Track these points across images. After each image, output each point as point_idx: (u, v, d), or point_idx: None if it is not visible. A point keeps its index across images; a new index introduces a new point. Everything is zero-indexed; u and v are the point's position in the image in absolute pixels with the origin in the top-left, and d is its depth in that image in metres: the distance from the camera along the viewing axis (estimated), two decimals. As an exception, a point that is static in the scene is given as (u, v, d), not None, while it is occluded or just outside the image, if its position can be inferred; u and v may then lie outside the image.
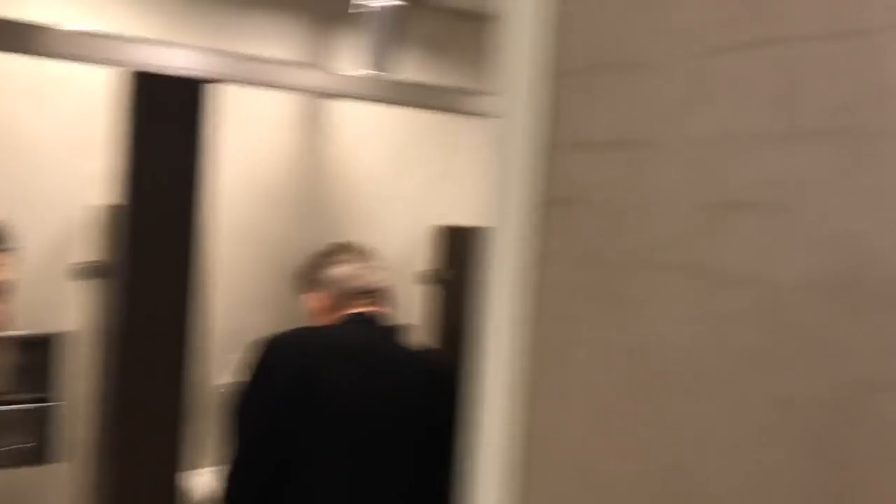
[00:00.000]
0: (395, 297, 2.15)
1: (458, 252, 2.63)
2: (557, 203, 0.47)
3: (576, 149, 0.47)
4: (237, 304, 2.34)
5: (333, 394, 1.84)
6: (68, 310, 2.10)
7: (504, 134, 0.48)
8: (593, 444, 0.44)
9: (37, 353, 2.09)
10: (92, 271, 2.07)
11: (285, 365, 1.83)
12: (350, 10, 2.10)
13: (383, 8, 2.10)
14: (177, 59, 1.71)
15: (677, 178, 0.42)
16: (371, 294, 2.05)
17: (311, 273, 2.15)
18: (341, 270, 2.07)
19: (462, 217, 2.70)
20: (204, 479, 2.14)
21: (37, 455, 2.11)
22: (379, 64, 2.15)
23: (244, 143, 2.31)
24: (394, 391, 1.91)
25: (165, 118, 1.72)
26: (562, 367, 0.46)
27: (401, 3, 2.13)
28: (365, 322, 2.00)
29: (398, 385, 1.92)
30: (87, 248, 2.11)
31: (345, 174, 2.50)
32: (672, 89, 0.42)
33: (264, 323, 2.35)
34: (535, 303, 0.47)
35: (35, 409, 2.10)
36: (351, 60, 2.40)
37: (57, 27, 1.54)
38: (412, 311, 2.66)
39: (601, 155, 0.46)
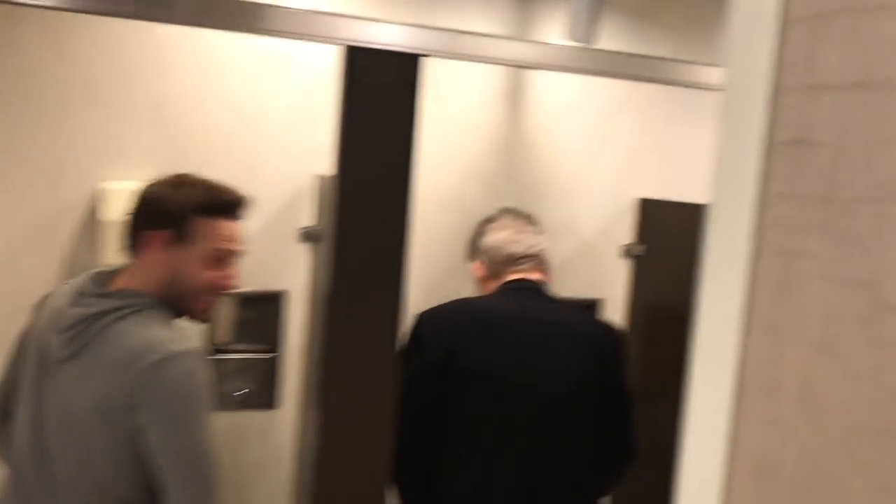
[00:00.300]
0: (549, 260, 2.13)
1: (656, 226, 2.58)
2: (788, 144, 0.47)
3: (809, 91, 0.47)
4: (435, 270, 2.44)
5: (482, 365, 1.88)
6: (292, 270, 2.29)
7: (736, 79, 0.48)
8: (813, 373, 0.44)
9: (263, 308, 2.30)
10: (313, 235, 2.25)
11: (435, 339, 1.90)
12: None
13: (589, -22, 2.09)
14: (389, 35, 1.80)
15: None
16: (527, 260, 2.05)
17: (473, 241, 2.19)
18: (497, 238, 2.08)
19: (662, 191, 2.65)
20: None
21: (259, 401, 2.32)
22: (583, 34, 2.15)
23: (449, 115, 2.40)
24: (546, 359, 1.91)
25: (380, 92, 1.81)
26: (782, 301, 0.47)
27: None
28: (519, 290, 2.01)
29: (551, 353, 1.92)
30: (309, 214, 2.29)
31: (546, 146, 2.52)
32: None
33: (460, 290, 2.44)
34: (758, 240, 0.48)
35: (259, 360, 2.31)
36: (555, 31, 2.42)
37: (279, 7, 1.66)
38: (612, 286, 2.65)
39: (834, 97, 0.45)
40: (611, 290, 2.65)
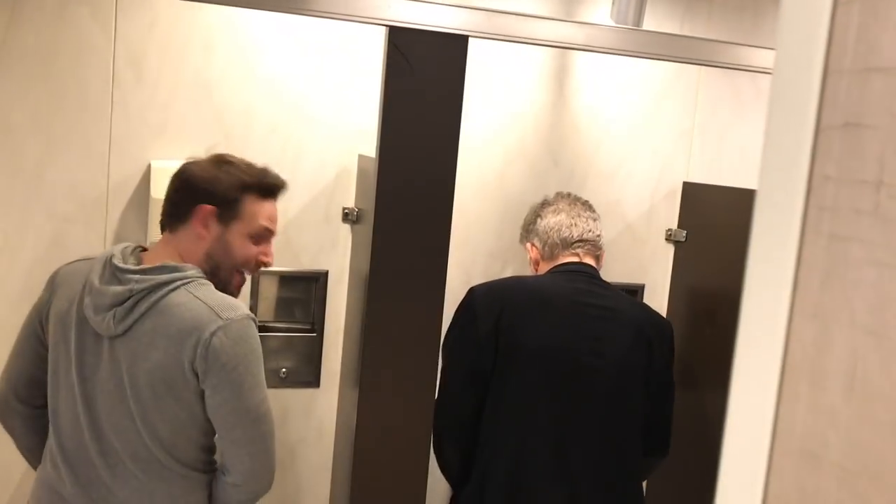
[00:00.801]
0: (603, 246, 2.15)
1: (698, 210, 2.54)
2: (839, 128, 0.46)
3: (861, 74, 0.46)
4: (476, 252, 2.44)
5: (531, 342, 1.89)
6: (334, 250, 2.31)
7: (786, 61, 0.48)
8: (861, 358, 0.44)
9: (305, 287, 2.33)
10: (354, 216, 2.26)
11: (485, 313, 1.92)
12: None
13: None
14: (434, 16, 1.79)
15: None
16: (581, 244, 2.06)
17: (527, 224, 2.21)
18: (552, 221, 2.10)
19: (707, 175, 2.61)
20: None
21: (301, 379, 2.35)
22: (629, 16, 2.12)
23: (493, 97, 2.39)
24: (594, 342, 1.92)
25: (424, 73, 1.81)
26: (830, 286, 0.46)
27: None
28: (572, 273, 2.02)
29: (599, 336, 1.92)
30: (352, 195, 2.30)
31: (591, 129, 2.50)
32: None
33: (501, 273, 2.44)
34: (806, 224, 0.47)
35: (301, 338, 2.34)
36: (601, 12, 2.39)
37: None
38: (656, 271, 2.63)
39: (887, 80, 0.45)
40: (655, 274, 2.63)
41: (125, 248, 1.61)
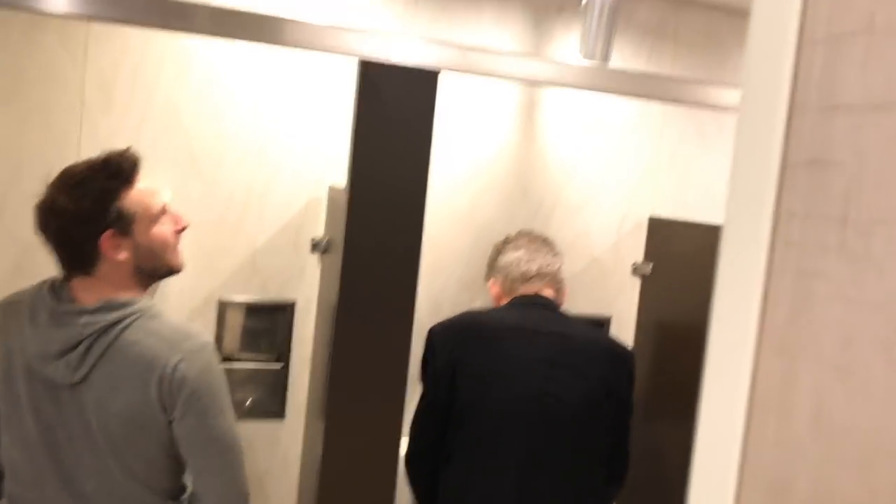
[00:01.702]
0: (564, 280, 2.17)
1: (664, 244, 2.57)
2: (804, 164, 0.47)
3: (826, 112, 0.47)
4: (446, 285, 2.44)
5: (486, 372, 1.91)
6: (303, 280, 2.29)
7: (753, 98, 0.49)
8: (827, 394, 0.44)
9: (272, 318, 2.30)
10: (323, 246, 2.25)
11: (441, 348, 1.94)
12: (581, 4, 2.12)
13: (605, -2, 2.10)
14: (406, 50, 1.81)
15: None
16: (541, 278, 2.10)
17: (490, 262, 2.25)
18: (512, 256, 2.14)
19: (673, 209, 2.65)
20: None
21: (267, 411, 2.31)
22: (597, 53, 2.15)
23: (463, 131, 2.40)
24: (551, 370, 1.93)
25: (395, 106, 1.82)
26: (796, 322, 0.46)
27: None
28: (529, 304, 2.05)
29: (557, 364, 1.94)
30: (322, 224, 2.29)
31: (559, 162, 2.53)
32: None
33: (470, 305, 2.44)
34: (772, 260, 0.48)
35: (267, 370, 2.30)
36: (569, 50, 2.42)
37: (297, 20, 1.68)
38: (622, 304, 2.64)
39: (851, 118, 0.46)
40: (621, 307, 2.64)
41: (53, 283, 1.54)
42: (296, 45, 1.75)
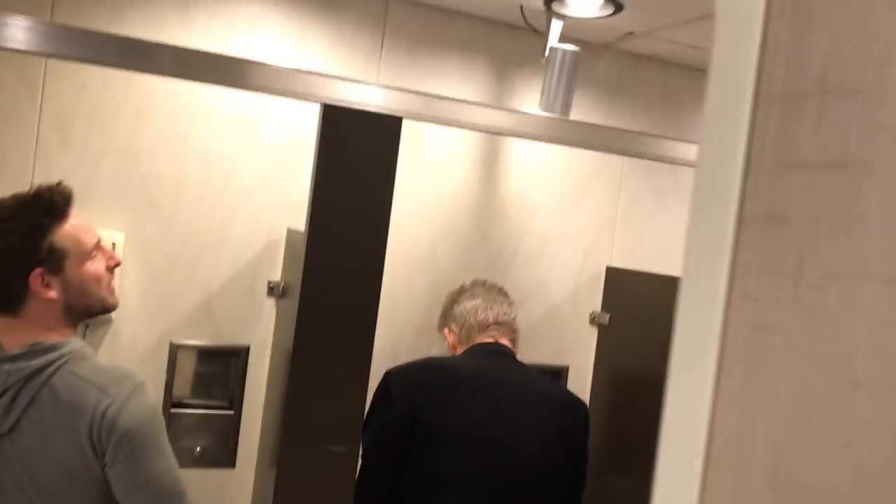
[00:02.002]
0: (519, 330, 2.18)
1: (621, 294, 2.60)
2: (760, 219, 0.48)
3: (781, 169, 0.48)
4: (403, 330, 2.43)
5: (445, 422, 1.90)
6: (257, 325, 2.26)
7: (709, 154, 0.50)
8: (783, 449, 0.44)
9: (224, 363, 2.26)
10: (279, 290, 2.23)
11: (400, 395, 1.92)
12: (542, 59, 2.17)
13: (566, 52, 2.14)
14: (368, 96, 1.82)
15: (884, 199, 0.43)
16: (497, 327, 2.11)
17: (444, 311, 2.25)
18: (468, 305, 2.15)
19: (629, 260, 2.68)
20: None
21: (217, 459, 2.26)
22: (557, 105, 2.19)
23: (424, 177, 2.42)
24: (509, 420, 1.93)
25: (356, 151, 1.83)
26: (753, 375, 0.47)
27: (576, 49, 2.17)
28: (487, 352, 2.05)
29: (514, 415, 1.94)
30: (279, 268, 2.27)
31: (518, 211, 2.55)
32: (888, 114, 0.43)
33: (428, 351, 2.42)
34: (729, 314, 0.48)
35: (218, 416, 2.25)
36: (530, 101, 2.46)
37: (259, 62, 1.68)
38: (580, 353, 2.65)
39: (806, 175, 0.46)
40: (579, 356, 2.65)
41: None
42: (259, 89, 1.74)
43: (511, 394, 1.95)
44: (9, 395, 1.39)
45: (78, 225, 1.51)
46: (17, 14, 1.47)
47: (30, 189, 1.49)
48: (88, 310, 1.54)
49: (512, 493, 1.90)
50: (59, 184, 1.51)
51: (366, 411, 1.95)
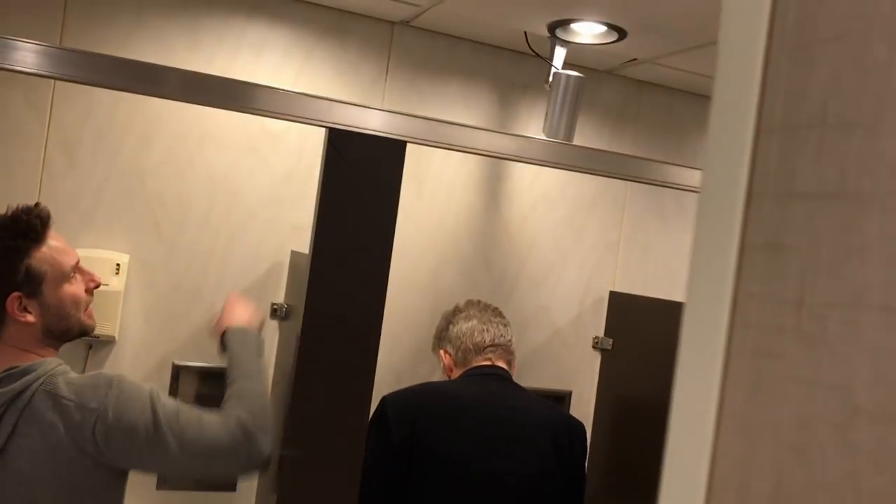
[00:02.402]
0: (515, 351, 2.17)
1: (623, 319, 2.60)
2: (761, 248, 0.49)
3: (782, 199, 0.49)
4: (405, 353, 2.43)
5: (444, 448, 1.88)
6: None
7: (712, 183, 0.51)
8: (785, 475, 0.45)
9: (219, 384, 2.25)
10: (282, 312, 2.23)
11: (398, 422, 1.90)
12: (546, 84, 2.19)
13: (569, 78, 2.17)
14: (373, 120, 1.84)
15: (883, 229, 0.43)
16: (494, 349, 2.09)
17: (439, 332, 2.23)
18: (464, 327, 2.13)
19: (632, 285, 2.68)
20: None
21: (218, 482, 2.25)
22: (560, 131, 2.21)
23: (427, 201, 2.43)
24: (508, 445, 1.92)
25: (361, 174, 1.84)
26: (755, 402, 0.47)
27: (581, 75, 2.19)
28: (485, 376, 2.04)
29: (513, 440, 1.93)
30: (282, 290, 2.28)
31: (521, 235, 2.56)
32: (886, 147, 0.44)
33: (430, 374, 2.42)
34: (732, 341, 0.49)
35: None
36: (533, 127, 2.48)
37: (266, 87, 1.70)
38: (583, 378, 2.65)
39: (806, 205, 0.47)
40: (582, 381, 2.65)
41: None
42: (265, 113, 1.76)
43: (510, 419, 1.95)
44: None
45: (55, 247, 1.50)
46: (28, 37, 1.49)
47: (7, 211, 1.48)
48: (66, 332, 1.53)
49: None
50: (36, 205, 1.49)
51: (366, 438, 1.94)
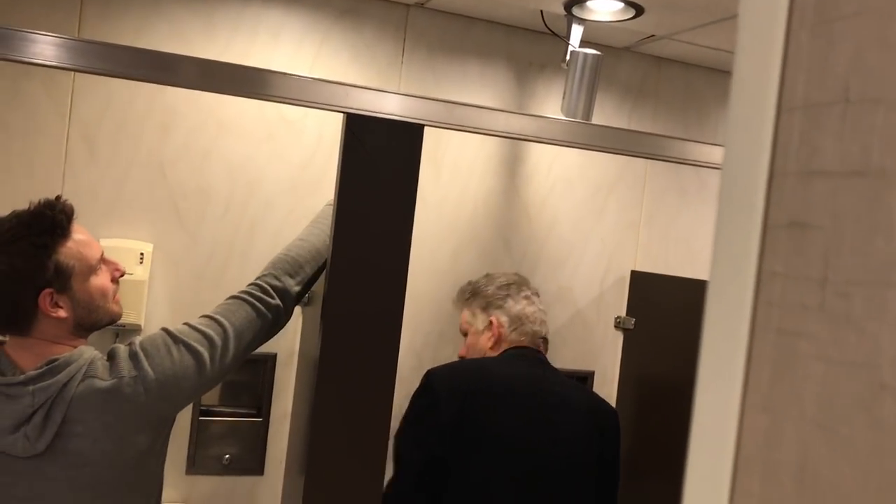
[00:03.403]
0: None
1: (645, 299, 2.59)
2: (785, 226, 0.48)
3: (805, 177, 0.48)
4: (426, 336, 2.44)
5: (492, 431, 1.87)
6: (283, 333, 2.27)
7: (734, 162, 0.50)
8: (811, 453, 0.45)
9: (251, 371, 2.28)
10: (307, 299, 2.24)
11: (447, 398, 1.87)
12: (563, 63, 2.17)
13: (587, 56, 2.15)
14: (390, 104, 1.83)
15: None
16: (538, 333, 2.09)
17: (493, 297, 2.16)
18: (527, 310, 2.09)
19: (653, 264, 2.67)
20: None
21: (245, 466, 2.28)
22: (579, 110, 2.20)
23: (446, 184, 2.43)
24: (557, 425, 1.92)
25: (379, 159, 1.84)
26: (780, 380, 0.47)
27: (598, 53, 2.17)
28: (527, 359, 2.03)
29: (562, 420, 1.93)
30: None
31: (541, 216, 2.55)
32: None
33: (450, 356, 2.43)
34: (756, 319, 0.49)
35: (245, 423, 2.28)
36: (552, 107, 2.47)
37: (283, 73, 1.70)
38: (605, 358, 2.65)
39: (830, 183, 0.47)
40: (605, 361, 2.65)
41: None
42: (282, 99, 1.76)
43: (553, 403, 1.94)
44: (39, 414, 1.41)
45: (81, 241, 1.51)
46: (46, 29, 1.50)
47: (29, 206, 1.49)
48: (96, 323, 1.56)
49: (550, 500, 1.89)
50: (58, 199, 1.51)
51: (403, 414, 1.94)
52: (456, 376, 1.93)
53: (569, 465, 1.91)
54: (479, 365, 2.03)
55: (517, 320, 2.09)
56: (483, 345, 2.12)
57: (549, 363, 2.06)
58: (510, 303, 2.12)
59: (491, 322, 2.12)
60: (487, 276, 2.25)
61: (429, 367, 2.11)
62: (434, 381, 1.92)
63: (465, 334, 2.19)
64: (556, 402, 1.95)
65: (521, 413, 1.90)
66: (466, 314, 2.19)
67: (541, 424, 1.90)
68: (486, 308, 2.15)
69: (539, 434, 1.89)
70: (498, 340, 2.09)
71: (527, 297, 2.13)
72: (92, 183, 2.09)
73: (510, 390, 1.92)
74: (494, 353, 2.08)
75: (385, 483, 1.90)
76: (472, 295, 2.20)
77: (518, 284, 2.19)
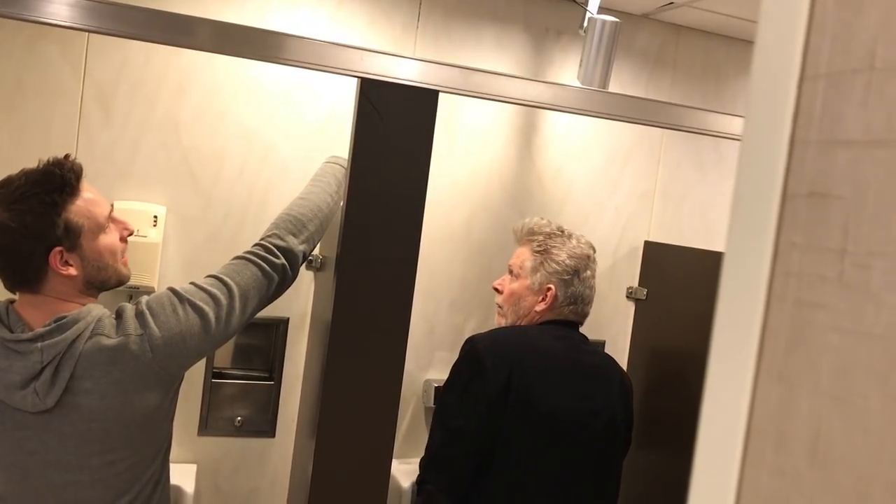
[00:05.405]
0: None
1: (658, 269, 2.58)
2: (804, 196, 0.48)
3: (826, 146, 0.48)
4: (438, 303, 2.44)
5: (539, 402, 1.87)
6: (295, 297, 2.29)
7: (754, 131, 0.50)
8: (824, 424, 0.45)
9: (263, 334, 2.30)
10: (318, 263, 2.25)
11: (494, 367, 1.85)
12: (580, 30, 2.15)
13: (605, 23, 2.12)
14: (405, 70, 1.82)
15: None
16: (585, 312, 2.07)
17: (559, 268, 2.02)
18: (586, 293, 2.02)
19: (667, 234, 2.66)
20: (410, 468, 2.25)
21: (257, 428, 2.31)
22: (595, 78, 2.17)
23: (461, 151, 2.42)
24: (594, 397, 1.94)
25: (393, 125, 1.83)
26: (795, 351, 0.47)
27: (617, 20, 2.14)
28: (566, 327, 2.02)
29: (597, 391, 1.95)
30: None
31: (556, 185, 2.54)
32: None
33: (461, 324, 2.44)
34: (772, 290, 0.48)
35: (257, 386, 2.30)
36: (568, 74, 2.45)
37: (298, 37, 1.69)
38: (617, 327, 2.65)
39: (851, 152, 0.46)
40: (616, 331, 2.65)
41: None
42: (297, 63, 1.75)
43: (591, 374, 1.95)
44: (48, 371, 1.42)
45: (90, 199, 1.51)
46: (62, -9, 1.50)
47: (38, 164, 1.48)
48: (105, 282, 1.57)
49: (590, 473, 1.92)
50: (66, 157, 1.51)
51: (449, 380, 1.91)
52: (500, 346, 1.89)
53: (606, 436, 1.93)
54: (523, 335, 1.97)
55: (573, 299, 2.01)
56: (528, 304, 2.03)
57: (581, 334, 2.05)
58: (575, 282, 2.01)
59: (549, 290, 2.01)
60: (562, 232, 2.07)
61: (440, 333, 2.12)
62: (481, 350, 1.88)
63: (511, 272, 2.07)
64: (593, 373, 1.96)
65: (564, 385, 1.91)
66: (528, 262, 2.03)
67: (581, 396, 1.92)
68: (550, 274, 2.01)
69: (580, 404, 1.90)
70: (547, 310, 2.01)
71: (588, 278, 2.03)
72: (106, 144, 2.09)
73: (553, 362, 1.92)
74: (536, 318, 2.03)
75: (425, 447, 1.91)
76: (544, 251, 2.04)
77: (587, 261, 2.05)
